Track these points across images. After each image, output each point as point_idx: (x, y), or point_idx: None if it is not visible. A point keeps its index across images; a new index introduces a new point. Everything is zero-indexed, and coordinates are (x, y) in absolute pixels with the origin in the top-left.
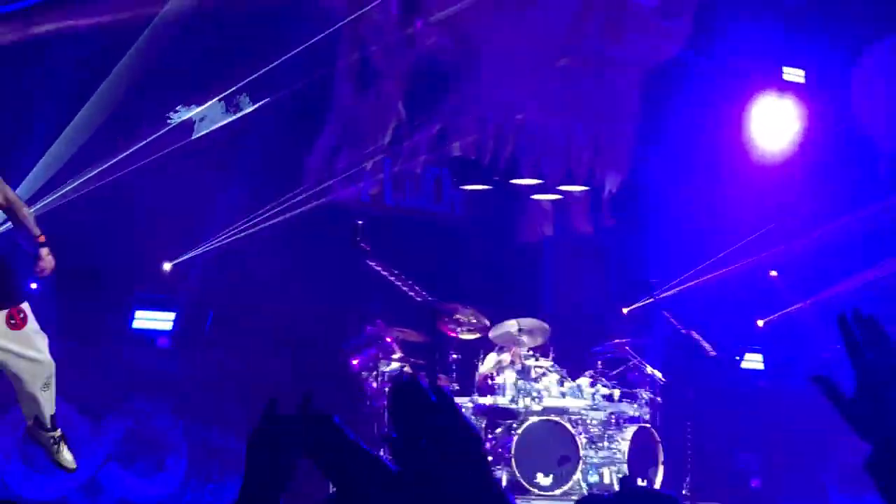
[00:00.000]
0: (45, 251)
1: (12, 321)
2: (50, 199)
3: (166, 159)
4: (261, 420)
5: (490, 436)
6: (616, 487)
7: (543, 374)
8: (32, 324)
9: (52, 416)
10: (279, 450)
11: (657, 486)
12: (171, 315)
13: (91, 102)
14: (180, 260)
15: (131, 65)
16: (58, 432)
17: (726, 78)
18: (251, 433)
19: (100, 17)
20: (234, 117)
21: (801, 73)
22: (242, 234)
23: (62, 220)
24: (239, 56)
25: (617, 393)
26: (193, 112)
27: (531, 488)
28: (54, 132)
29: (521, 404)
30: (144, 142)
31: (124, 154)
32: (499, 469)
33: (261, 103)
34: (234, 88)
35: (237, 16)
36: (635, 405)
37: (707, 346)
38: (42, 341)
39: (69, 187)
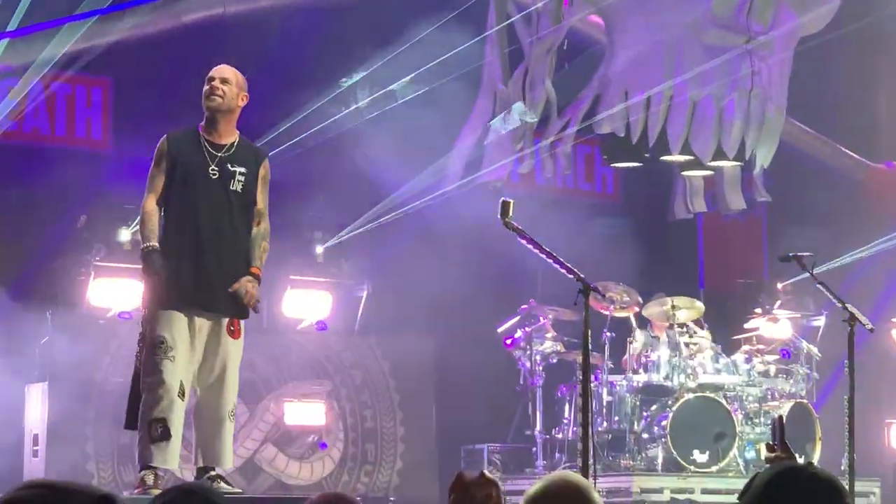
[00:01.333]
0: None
1: (231, 329)
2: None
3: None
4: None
5: (645, 413)
6: None
7: (698, 351)
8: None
9: None
10: None
11: (815, 461)
12: (328, 299)
13: None
14: (333, 241)
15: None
16: None
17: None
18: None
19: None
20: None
21: None
22: (392, 215)
23: None
24: (391, 34)
25: (773, 369)
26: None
27: (687, 465)
28: None
29: (675, 381)
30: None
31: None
32: (654, 447)
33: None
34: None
35: None
36: (791, 381)
37: (864, 319)
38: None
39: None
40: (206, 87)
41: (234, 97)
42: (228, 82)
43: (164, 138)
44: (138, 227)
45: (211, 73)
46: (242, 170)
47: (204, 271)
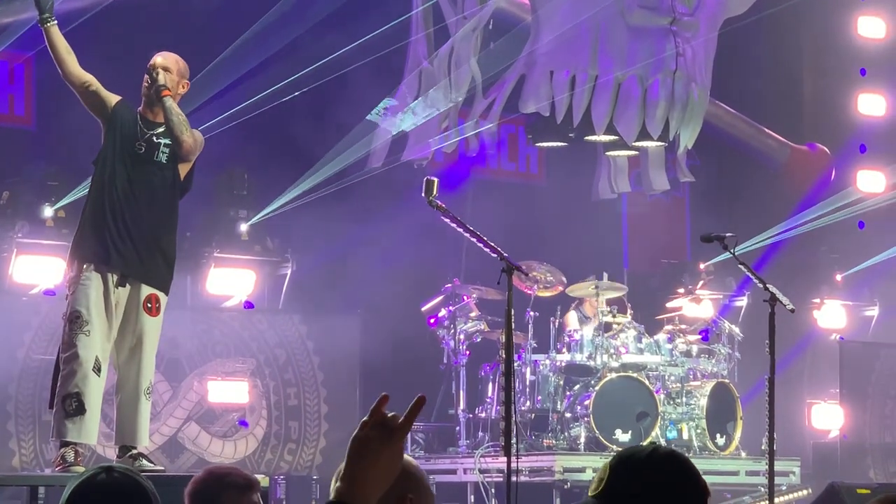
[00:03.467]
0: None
1: (149, 305)
2: None
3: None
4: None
5: (568, 393)
6: (695, 443)
7: (621, 331)
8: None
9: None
10: None
11: (736, 441)
12: (252, 277)
13: None
14: (257, 218)
15: None
16: None
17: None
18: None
19: None
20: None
21: None
22: (316, 194)
23: None
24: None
25: (695, 349)
26: None
27: (609, 444)
28: None
29: (598, 361)
30: None
31: None
32: (577, 426)
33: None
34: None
35: None
36: (713, 361)
37: (785, 300)
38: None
39: None
40: (147, 75)
41: (175, 85)
42: (169, 71)
43: (119, 98)
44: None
45: (153, 61)
46: (167, 141)
47: (122, 238)
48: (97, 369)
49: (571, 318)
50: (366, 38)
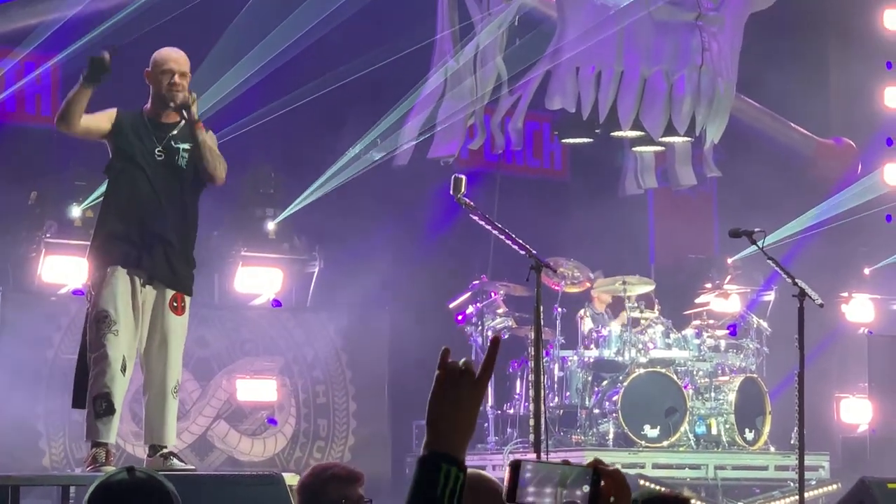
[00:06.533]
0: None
1: (174, 304)
2: None
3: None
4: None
5: (596, 389)
6: (724, 438)
7: (649, 326)
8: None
9: None
10: None
11: (765, 436)
12: (279, 275)
13: None
14: (284, 215)
15: None
16: None
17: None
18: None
19: None
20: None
21: None
22: (344, 189)
23: None
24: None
25: (723, 344)
26: None
27: (638, 440)
28: None
29: (626, 356)
30: None
31: None
32: (605, 422)
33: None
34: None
35: None
36: (741, 356)
37: (814, 295)
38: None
39: None
40: (168, 80)
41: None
42: (187, 76)
43: (114, 109)
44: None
45: (172, 66)
46: (186, 146)
47: (150, 244)
48: (123, 369)
49: (586, 322)
50: (392, 36)
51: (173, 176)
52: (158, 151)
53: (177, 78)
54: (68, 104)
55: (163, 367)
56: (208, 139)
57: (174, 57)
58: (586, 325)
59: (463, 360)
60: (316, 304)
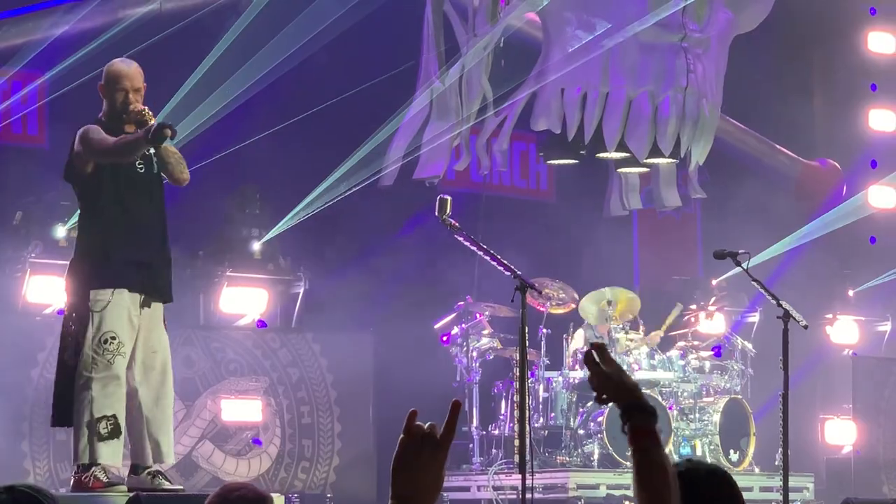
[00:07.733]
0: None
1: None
2: None
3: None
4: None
5: (581, 409)
6: (709, 459)
7: (633, 347)
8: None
9: None
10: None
11: (749, 457)
12: (264, 295)
13: None
14: (270, 235)
15: None
16: None
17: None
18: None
19: None
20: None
21: None
22: (329, 210)
23: None
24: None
25: (708, 365)
26: None
27: (623, 461)
28: None
29: None
30: None
31: None
32: (590, 443)
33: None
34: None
35: None
36: (726, 377)
37: (799, 316)
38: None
39: None
40: (122, 97)
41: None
42: (141, 91)
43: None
44: (116, 145)
45: (125, 83)
46: (150, 150)
47: (142, 259)
48: (124, 391)
49: (578, 336)
50: (377, 57)
51: (156, 184)
52: (139, 165)
53: (131, 96)
54: (126, 152)
55: (162, 385)
56: (171, 148)
57: (126, 72)
58: (573, 345)
59: (428, 423)
60: (301, 324)
